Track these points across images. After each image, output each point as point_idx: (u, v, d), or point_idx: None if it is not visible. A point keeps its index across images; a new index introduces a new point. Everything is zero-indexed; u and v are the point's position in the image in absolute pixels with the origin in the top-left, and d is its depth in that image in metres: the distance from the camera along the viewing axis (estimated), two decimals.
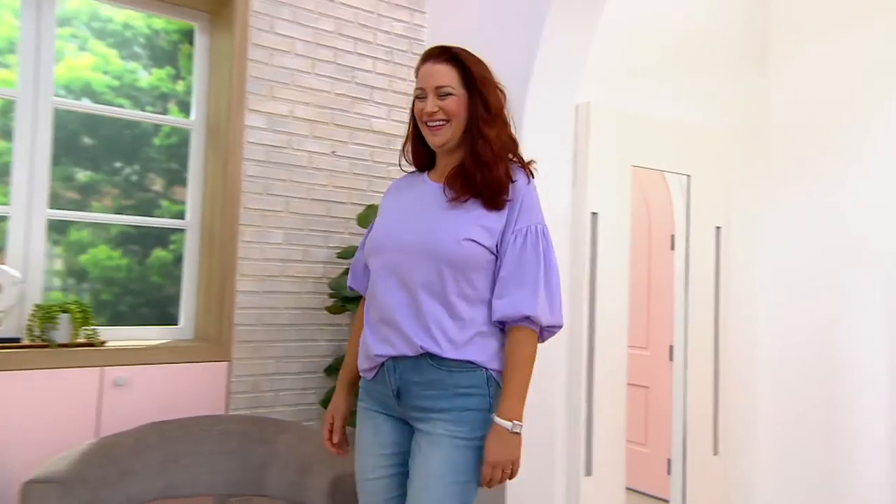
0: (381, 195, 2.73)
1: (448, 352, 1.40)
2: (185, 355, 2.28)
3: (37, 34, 2.24)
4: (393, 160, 2.72)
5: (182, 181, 3.33)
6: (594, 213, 2.73)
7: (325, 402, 2.47)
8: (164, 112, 3.38)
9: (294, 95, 2.51)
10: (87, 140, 2.73)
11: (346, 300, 2.37)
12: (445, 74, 1.46)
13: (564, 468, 2.55)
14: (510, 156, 1.48)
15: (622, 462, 2.72)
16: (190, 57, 2.94)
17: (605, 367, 2.69)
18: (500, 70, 2.42)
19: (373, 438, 1.51)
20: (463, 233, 1.40)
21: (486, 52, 2.48)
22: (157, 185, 3.52)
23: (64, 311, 2.11)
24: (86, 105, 2.46)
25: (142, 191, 3.53)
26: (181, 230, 2.60)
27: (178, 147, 3.15)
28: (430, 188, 1.51)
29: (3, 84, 2.41)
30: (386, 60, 2.74)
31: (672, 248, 3.24)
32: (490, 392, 1.43)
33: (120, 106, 2.57)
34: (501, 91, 1.51)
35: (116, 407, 2.12)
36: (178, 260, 3.38)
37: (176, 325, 2.53)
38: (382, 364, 1.47)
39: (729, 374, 3.18)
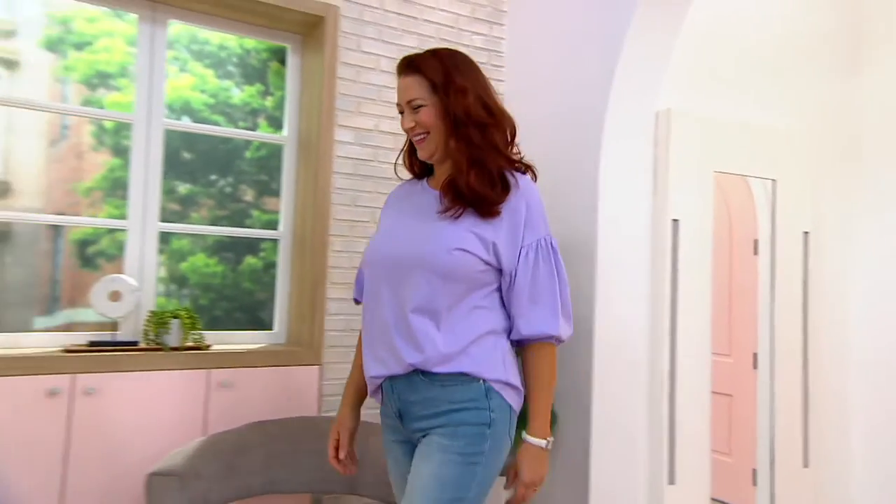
0: None
1: (437, 366, 1.32)
2: (281, 359, 2.41)
3: (150, 61, 2.43)
4: None
5: (271, 192, 3.52)
6: (675, 220, 2.71)
7: None
8: (254, 126, 3.58)
9: (379, 111, 2.61)
10: (186, 155, 2.92)
11: None
12: (412, 87, 1.40)
13: (647, 476, 2.55)
14: (501, 158, 1.39)
15: (707, 471, 2.69)
16: (278, 74, 3.10)
17: (687, 374, 2.67)
18: (581, 78, 2.50)
19: (395, 471, 1.47)
20: (454, 242, 1.33)
21: (566, 61, 2.55)
22: (249, 195, 3.73)
23: (174, 317, 2.28)
24: (193, 126, 2.65)
25: (235, 201, 3.74)
26: (273, 240, 2.76)
27: (267, 160, 3.33)
28: (429, 196, 1.45)
29: (116, 106, 2.62)
30: None
31: (755, 252, 3.18)
32: (490, 405, 1.34)
33: (215, 122, 2.75)
34: (479, 89, 1.40)
35: (221, 407, 2.28)
36: (268, 267, 3.56)
37: (270, 329, 2.68)
38: (381, 386, 1.42)
39: (818, 381, 3.09)
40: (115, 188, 3.48)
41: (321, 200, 2.48)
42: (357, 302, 1.57)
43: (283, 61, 3.41)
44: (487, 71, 2.79)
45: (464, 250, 1.33)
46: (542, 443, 1.35)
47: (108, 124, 2.55)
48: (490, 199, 1.34)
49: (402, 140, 2.63)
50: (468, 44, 2.82)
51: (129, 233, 2.38)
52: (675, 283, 2.67)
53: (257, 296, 3.50)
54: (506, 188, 1.36)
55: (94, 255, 3.27)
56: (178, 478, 1.88)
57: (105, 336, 2.26)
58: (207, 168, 3.04)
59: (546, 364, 1.38)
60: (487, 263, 1.35)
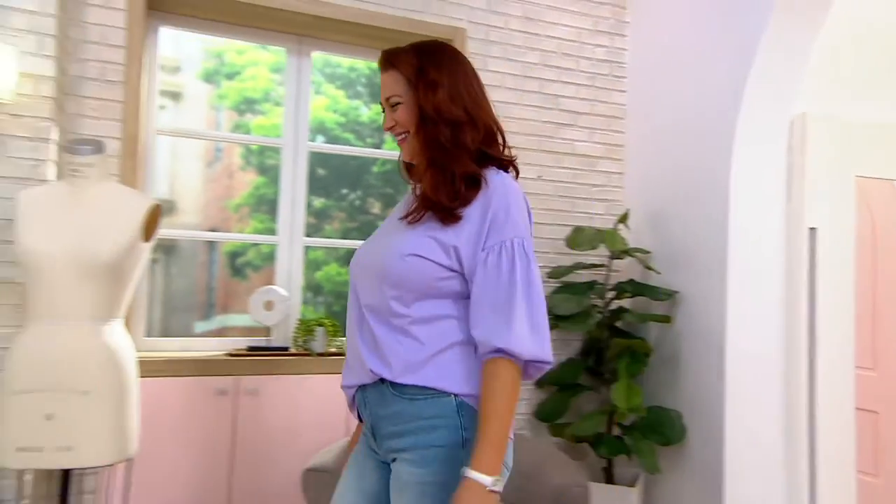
0: (584, 216, 2.85)
1: (402, 376, 1.19)
2: None
3: (297, 90, 2.66)
4: (596, 181, 2.81)
5: (395, 204, 3.72)
6: (812, 229, 2.61)
7: (537, 414, 2.64)
8: (380, 142, 3.78)
9: (505, 126, 2.70)
10: (321, 171, 3.15)
11: (557, 318, 2.51)
12: (389, 83, 1.28)
13: (786, 498, 2.47)
14: (470, 160, 1.23)
15: (853, 493, 2.56)
16: None
17: (828, 389, 2.55)
18: (711, 85, 2.47)
19: (354, 473, 1.31)
20: (407, 248, 1.21)
21: (694, 68, 2.53)
22: (376, 208, 3.94)
23: (319, 325, 2.49)
24: (336, 147, 2.87)
25: (363, 214, 3.96)
26: None
27: (392, 173, 3.52)
28: (409, 201, 1.34)
29: (260, 128, 2.88)
30: (588, 85, 2.85)
31: None
32: (462, 423, 1.18)
33: (346, 140, 2.94)
34: (457, 84, 1.25)
35: None
36: None
37: None
38: (354, 397, 1.31)
39: None
40: (260, 204, 3.79)
41: None
42: None
43: None
44: (609, 83, 2.84)
45: (418, 256, 1.20)
46: (487, 480, 1.08)
47: (254, 146, 2.82)
48: (443, 204, 1.20)
49: (527, 154, 2.74)
50: (590, 56, 2.85)
51: (279, 247, 2.61)
52: (812, 293, 2.57)
53: None
54: (471, 190, 1.21)
55: (243, 265, 3.58)
56: (330, 473, 2.06)
57: (260, 342, 2.50)
58: (339, 183, 3.25)
59: (498, 383, 1.14)
60: (451, 270, 1.21)
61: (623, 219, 2.69)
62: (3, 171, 1.92)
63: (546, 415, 2.59)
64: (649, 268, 2.65)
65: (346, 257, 3.54)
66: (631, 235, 2.86)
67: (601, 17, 2.85)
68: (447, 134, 1.22)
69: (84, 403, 1.71)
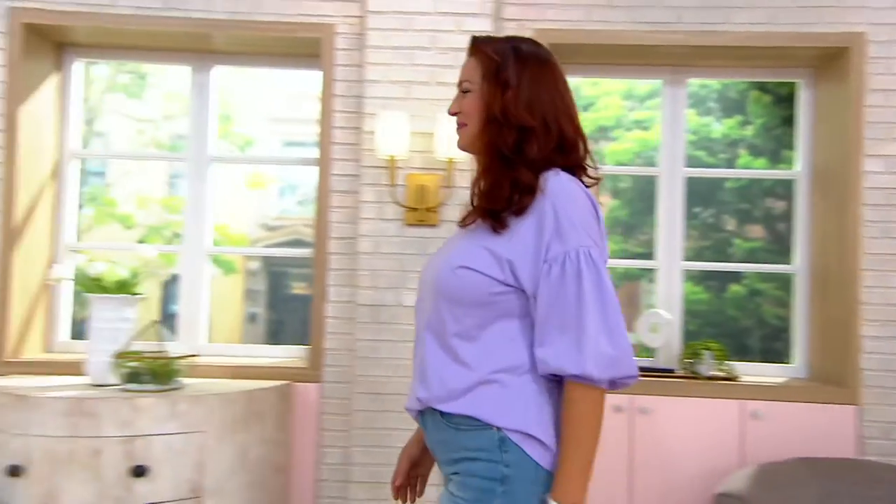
0: None
1: (444, 403, 1.12)
2: (808, 395, 2.43)
3: (672, 116, 2.73)
4: None
5: (752, 220, 3.55)
6: None
7: None
8: (734, 157, 3.66)
9: None
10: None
11: None
12: (467, 68, 1.21)
13: None
14: (529, 169, 1.12)
15: None
16: (758, 102, 3.14)
17: None
18: None
19: None
20: (459, 259, 1.13)
21: None
22: (730, 225, 3.82)
23: (706, 348, 2.51)
24: (714, 171, 2.90)
25: (716, 231, 3.87)
26: (787, 274, 2.77)
27: (747, 188, 3.38)
28: None
29: (613, 154, 3.02)
30: None
31: None
32: (504, 458, 1.08)
33: (697, 158, 2.90)
34: (534, 89, 1.14)
35: (755, 437, 2.42)
36: (752, 294, 3.59)
37: (787, 363, 2.72)
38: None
39: None
40: (615, 226, 3.93)
41: (849, 234, 2.42)
42: None
43: (763, 89, 3.42)
44: None
45: (469, 268, 1.11)
46: None
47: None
48: (493, 210, 1.11)
49: None
50: None
51: (659, 271, 2.71)
52: None
53: (741, 323, 3.56)
54: (526, 197, 1.10)
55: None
56: (741, 501, 2.07)
57: (644, 362, 2.62)
58: (691, 201, 3.23)
59: (575, 410, 1.06)
60: (506, 284, 1.10)
61: None
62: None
63: None
64: None
65: (700, 276, 3.51)
66: None
67: None
68: (511, 140, 1.14)
69: None
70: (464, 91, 1.19)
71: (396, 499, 1.32)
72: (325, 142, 2.52)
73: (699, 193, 3.23)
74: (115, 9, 2.48)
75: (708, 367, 2.50)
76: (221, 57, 2.72)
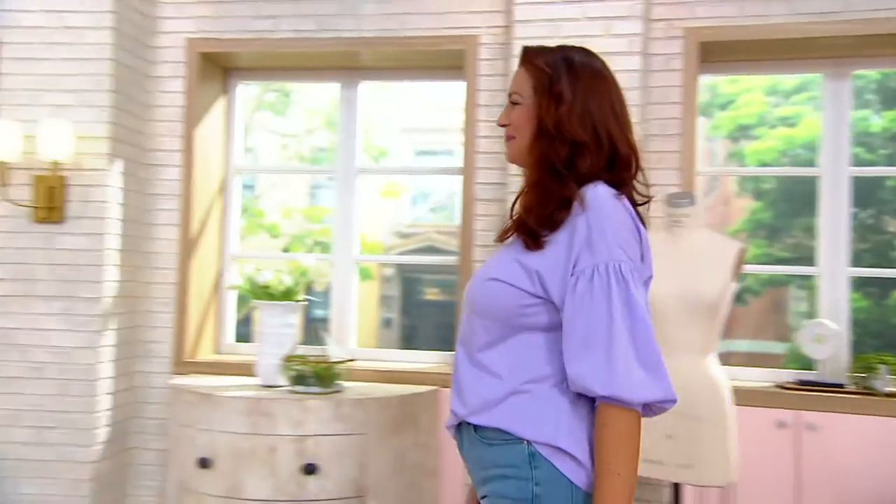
0: None
1: (475, 415, 1.08)
2: None
3: (836, 112, 2.54)
4: None
5: None
6: None
7: None
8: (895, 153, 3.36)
9: None
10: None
11: None
12: (518, 79, 1.17)
13: None
14: (575, 182, 1.07)
15: None
16: None
17: None
18: None
19: None
20: (490, 272, 1.11)
21: None
22: (892, 226, 3.51)
23: (882, 363, 2.32)
24: (882, 170, 2.68)
25: (876, 233, 3.57)
26: None
27: None
28: None
29: (754, 153, 2.84)
30: None
31: None
32: (534, 475, 1.02)
33: (854, 154, 2.65)
34: (589, 103, 1.10)
35: None
36: None
37: None
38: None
39: None
40: (757, 229, 3.73)
41: None
42: None
43: None
44: None
45: (499, 281, 1.09)
46: None
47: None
48: (530, 227, 1.08)
49: None
50: None
51: (821, 278, 2.54)
52: None
53: None
54: (562, 212, 1.06)
55: (742, 291, 3.53)
56: None
57: (810, 376, 2.46)
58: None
59: (607, 433, 0.99)
60: (536, 297, 1.06)
61: None
62: None
63: None
64: None
65: (858, 282, 3.26)
66: None
67: None
68: (563, 154, 1.09)
69: (698, 428, 1.93)
70: (513, 103, 1.17)
71: None
72: (469, 151, 2.57)
73: (857, 193, 2.99)
74: (277, 34, 2.65)
75: (884, 382, 2.31)
76: (368, 73, 2.84)
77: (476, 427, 1.10)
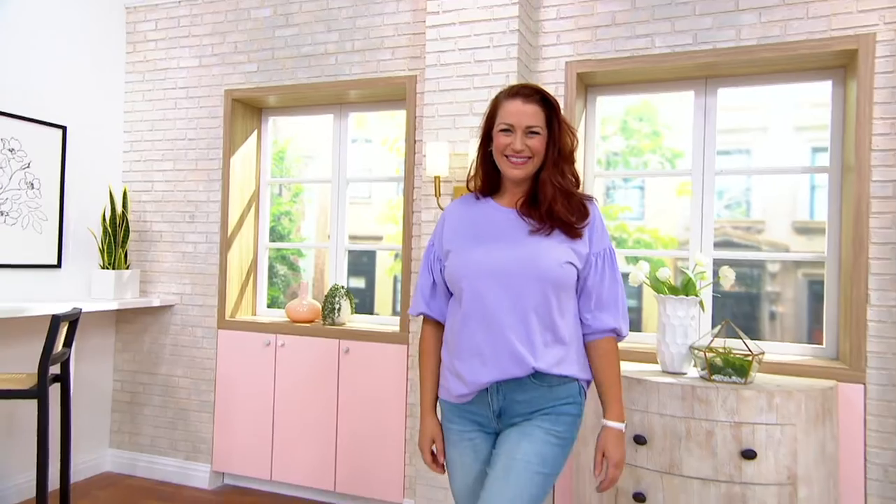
0: None
1: (552, 369, 1.54)
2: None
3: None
4: None
5: None
6: None
7: None
8: None
9: None
10: None
11: None
12: (535, 115, 1.57)
13: None
14: (577, 191, 1.64)
15: None
16: None
17: None
18: None
19: (473, 457, 1.63)
20: (563, 257, 1.56)
21: None
22: None
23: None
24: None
25: None
26: None
27: None
28: (504, 214, 1.63)
29: None
30: None
31: None
32: (581, 400, 1.61)
33: None
34: (574, 133, 1.62)
35: None
36: None
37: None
38: (485, 388, 1.57)
39: None
40: None
41: None
42: (422, 315, 1.72)
43: None
44: None
45: (571, 263, 1.56)
46: (622, 426, 1.59)
47: None
48: (573, 223, 1.58)
49: None
50: None
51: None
52: None
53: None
54: (584, 214, 1.60)
55: None
56: None
57: None
58: None
59: (615, 355, 1.63)
60: (579, 273, 1.60)
61: None
62: None
63: None
64: None
65: None
66: None
67: None
68: (568, 170, 1.60)
69: None
70: (531, 134, 1.56)
71: (442, 472, 1.70)
72: (862, 148, 2.57)
73: None
74: (652, 50, 2.85)
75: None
76: (725, 80, 2.95)
77: (539, 375, 1.54)
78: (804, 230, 3.23)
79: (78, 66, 3.65)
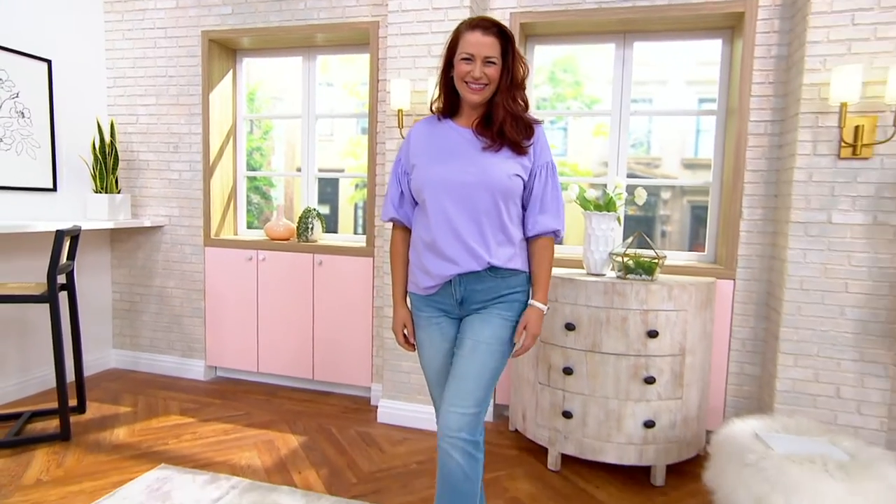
0: None
1: (504, 264, 1.56)
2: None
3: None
4: None
5: None
6: None
7: None
8: None
9: None
10: None
11: None
12: (493, 46, 1.51)
13: None
14: (526, 113, 1.58)
15: None
16: None
17: None
18: None
19: (440, 337, 1.64)
20: (511, 170, 1.53)
21: None
22: None
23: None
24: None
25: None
26: None
27: None
28: (461, 133, 1.58)
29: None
30: None
31: None
32: (527, 288, 1.62)
33: None
34: (525, 63, 1.56)
35: None
36: None
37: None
38: (448, 280, 1.57)
39: None
40: None
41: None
42: (391, 220, 1.69)
43: None
44: None
45: (518, 175, 1.54)
46: (544, 308, 1.60)
47: None
48: (520, 143, 1.54)
49: None
50: None
51: None
52: None
53: None
54: (530, 134, 1.56)
55: None
56: None
57: None
58: None
59: (549, 252, 1.61)
60: (525, 184, 1.57)
61: None
62: None
63: None
64: None
65: None
66: None
67: None
68: (524, 97, 1.56)
69: None
70: (488, 63, 1.50)
71: (413, 351, 1.71)
72: (744, 94, 2.67)
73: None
74: (582, 5, 2.79)
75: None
76: (640, 35, 2.95)
77: (494, 269, 1.56)
78: (691, 165, 3.34)
79: (58, 2, 3.23)
